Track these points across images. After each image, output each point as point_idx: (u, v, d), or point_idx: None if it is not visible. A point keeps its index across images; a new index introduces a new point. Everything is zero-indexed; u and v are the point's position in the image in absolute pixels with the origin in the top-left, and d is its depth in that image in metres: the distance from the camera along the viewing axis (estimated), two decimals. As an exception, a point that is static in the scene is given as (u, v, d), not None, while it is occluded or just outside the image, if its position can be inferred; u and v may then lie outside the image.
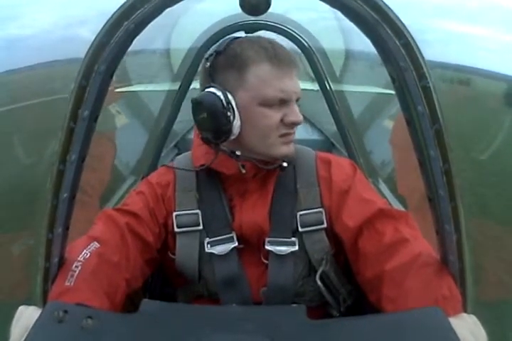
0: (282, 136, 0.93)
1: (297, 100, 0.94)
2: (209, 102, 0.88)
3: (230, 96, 0.89)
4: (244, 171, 0.96)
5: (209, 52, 0.96)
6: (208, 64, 0.93)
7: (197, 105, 0.90)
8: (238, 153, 0.95)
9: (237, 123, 0.90)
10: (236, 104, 0.90)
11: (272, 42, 0.93)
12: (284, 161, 0.98)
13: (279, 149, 0.94)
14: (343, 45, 2.68)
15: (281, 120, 0.91)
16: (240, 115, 0.90)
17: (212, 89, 0.90)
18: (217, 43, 0.96)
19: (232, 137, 0.92)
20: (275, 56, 0.89)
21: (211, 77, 0.93)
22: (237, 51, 0.91)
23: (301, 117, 0.93)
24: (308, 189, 1.01)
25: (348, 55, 2.85)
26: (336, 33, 2.43)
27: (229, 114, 0.89)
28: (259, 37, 0.97)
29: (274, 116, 0.91)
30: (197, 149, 1.03)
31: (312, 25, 2.12)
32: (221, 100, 0.88)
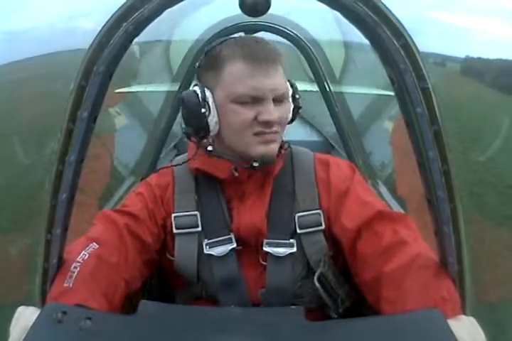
0: (257, 134, 0.92)
1: (276, 99, 0.92)
2: (187, 99, 0.93)
3: (207, 94, 0.93)
4: (236, 174, 0.97)
5: None
6: (197, 64, 0.97)
7: (180, 102, 0.95)
8: (210, 148, 0.98)
9: (213, 119, 0.93)
10: (214, 102, 0.93)
11: (251, 40, 0.94)
12: (255, 161, 0.95)
13: (255, 148, 0.94)
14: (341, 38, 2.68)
15: (256, 118, 0.91)
16: (217, 112, 0.93)
17: (194, 87, 0.95)
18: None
19: (212, 134, 0.95)
20: (250, 54, 0.90)
21: (198, 77, 0.98)
22: (217, 50, 0.93)
23: (274, 116, 0.91)
24: (307, 190, 1.01)
25: (348, 52, 2.84)
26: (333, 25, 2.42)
27: (203, 110, 0.92)
28: (246, 36, 0.98)
29: (247, 113, 0.91)
30: (191, 152, 1.04)
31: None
32: (198, 97, 0.92)
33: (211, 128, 0.93)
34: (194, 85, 0.96)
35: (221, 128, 0.94)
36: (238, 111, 0.91)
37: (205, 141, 0.98)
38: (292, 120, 1.03)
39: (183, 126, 0.96)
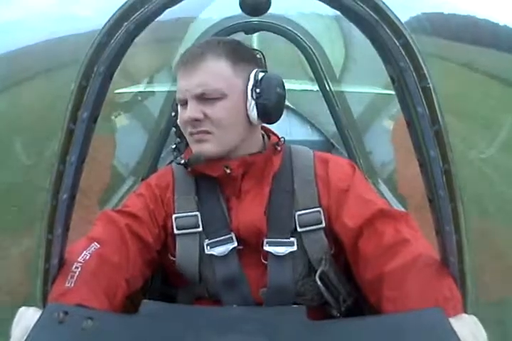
0: (190, 134, 0.95)
1: (201, 98, 0.91)
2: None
3: None
4: (228, 171, 0.96)
5: None
6: None
7: None
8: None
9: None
10: None
11: (194, 45, 0.98)
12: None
13: (193, 147, 0.97)
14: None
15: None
16: None
17: None
18: None
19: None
20: (181, 58, 0.95)
21: None
22: None
23: (188, 115, 0.91)
24: (306, 188, 1.01)
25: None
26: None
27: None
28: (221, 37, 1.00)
29: (181, 114, 0.95)
30: (187, 152, 1.05)
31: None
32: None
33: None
34: None
35: None
36: (179, 112, 0.97)
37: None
38: (267, 118, 0.97)
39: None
